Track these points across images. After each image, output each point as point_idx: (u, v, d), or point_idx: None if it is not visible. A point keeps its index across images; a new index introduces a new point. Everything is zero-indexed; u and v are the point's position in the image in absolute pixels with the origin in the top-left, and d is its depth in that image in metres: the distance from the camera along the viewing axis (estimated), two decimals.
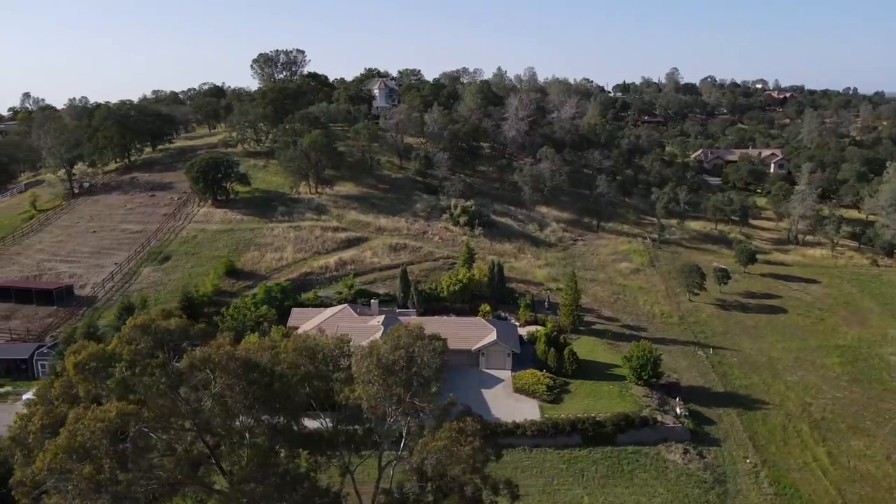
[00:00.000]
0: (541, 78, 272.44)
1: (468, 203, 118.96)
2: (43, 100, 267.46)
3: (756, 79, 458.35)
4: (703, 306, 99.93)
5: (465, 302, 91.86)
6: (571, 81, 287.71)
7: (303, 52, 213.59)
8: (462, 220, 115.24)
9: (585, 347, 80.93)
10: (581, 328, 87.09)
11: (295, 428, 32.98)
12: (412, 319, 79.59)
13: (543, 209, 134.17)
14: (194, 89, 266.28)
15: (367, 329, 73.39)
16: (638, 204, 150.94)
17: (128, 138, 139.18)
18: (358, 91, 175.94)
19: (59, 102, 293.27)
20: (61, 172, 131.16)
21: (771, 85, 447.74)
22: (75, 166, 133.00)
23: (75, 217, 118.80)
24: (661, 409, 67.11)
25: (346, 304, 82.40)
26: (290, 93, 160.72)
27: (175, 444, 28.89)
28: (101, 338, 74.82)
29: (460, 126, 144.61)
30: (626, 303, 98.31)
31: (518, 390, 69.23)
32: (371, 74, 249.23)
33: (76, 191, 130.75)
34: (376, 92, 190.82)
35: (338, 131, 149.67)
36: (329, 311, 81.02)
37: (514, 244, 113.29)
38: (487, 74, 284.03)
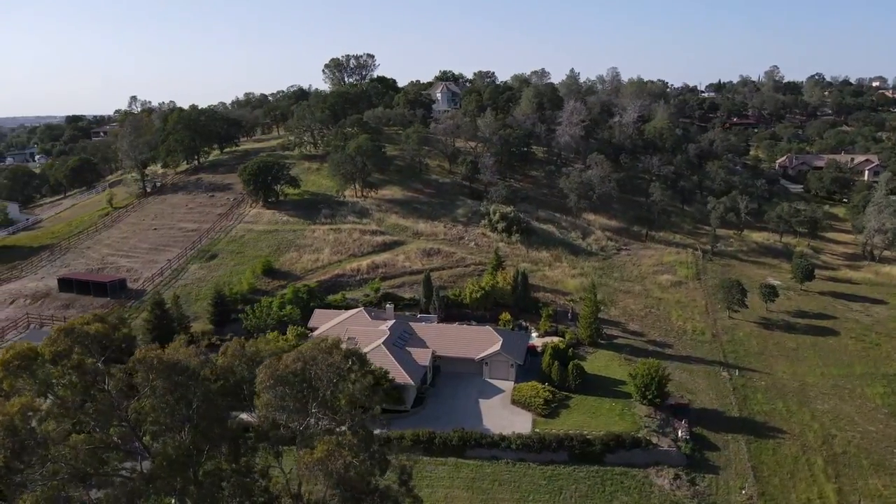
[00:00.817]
0: (625, 78, 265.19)
1: (508, 209, 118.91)
2: (149, 102, 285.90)
3: (874, 76, 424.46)
4: (743, 324, 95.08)
5: (486, 309, 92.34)
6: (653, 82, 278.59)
7: (372, 56, 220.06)
8: (500, 226, 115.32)
9: (599, 362, 79.48)
10: (601, 342, 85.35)
11: (217, 429, 35.28)
12: (422, 326, 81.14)
13: (591, 217, 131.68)
14: (283, 91, 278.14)
15: (375, 333, 75.68)
16: (696, 213, 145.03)
17: (197, 141, 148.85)
18: (417, 95, 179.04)
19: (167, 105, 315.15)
20: (135, 173, 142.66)
21: (890, 83, 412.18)
22: (148, 167, 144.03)
23: (142, 215, 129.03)
24: (661, 430, 64.99)
25: (361, 308, 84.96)
26: (350, 97, 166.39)
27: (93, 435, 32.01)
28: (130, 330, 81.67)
29: (511, 131, 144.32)
30: (657, 317, 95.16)
31: (515, 402, 69.12)
32: (446, 77, 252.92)
33: (148, 190, 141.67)
34: (438, 95, 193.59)
35: (393, 136, 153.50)
36: (345, 314, 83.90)
37: (551, 252, 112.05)
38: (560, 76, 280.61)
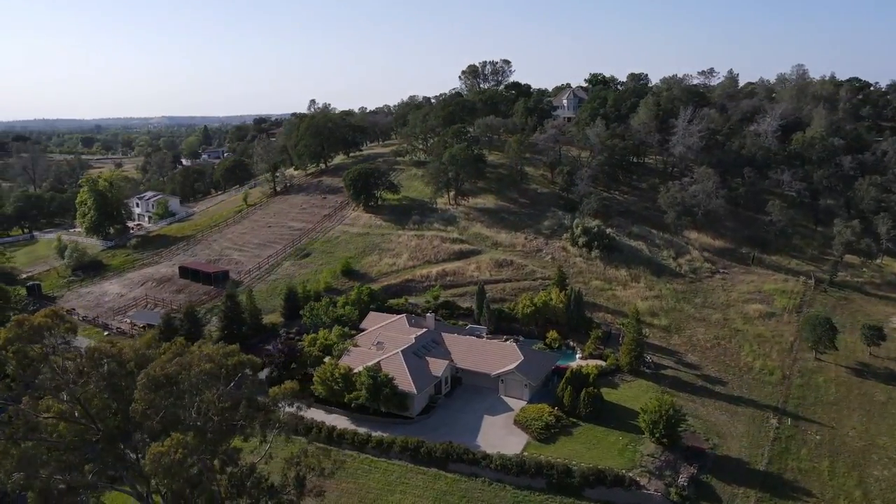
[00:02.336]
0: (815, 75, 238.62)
1: (593, 223, 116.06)
2: (329, 104, 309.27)
3: None
4: (829, 368, 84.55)
5: (537, 326, 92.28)
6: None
7: (508, 62, 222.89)
8: (581, 240, 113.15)
9: (630, 392, 76.28)
10: (646, 370, 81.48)
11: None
12: (453, 337, 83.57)
13: (693, 234, 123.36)
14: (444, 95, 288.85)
15: (402, 340, 79.99)
16: (833, 235, 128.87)
17: (324, 146, 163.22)
18: (539, 102, 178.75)
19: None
20: (268, 175, 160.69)
21: None
22: (281, 169, 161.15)
23: (264, 213, 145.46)
24: (659, 472, 61.56)
25: (403, 315, 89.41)
26: (466, 105, 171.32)
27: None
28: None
29: (618, 141, 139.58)
30: (724, 351, 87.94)
31: (517, 423, 69.38)
32: (596, 80, 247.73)
33: (278, 190, 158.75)
34: (564, 102, 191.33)
35: (504, 144, 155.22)
36: (389, 319, 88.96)
37: (630, 270, 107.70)
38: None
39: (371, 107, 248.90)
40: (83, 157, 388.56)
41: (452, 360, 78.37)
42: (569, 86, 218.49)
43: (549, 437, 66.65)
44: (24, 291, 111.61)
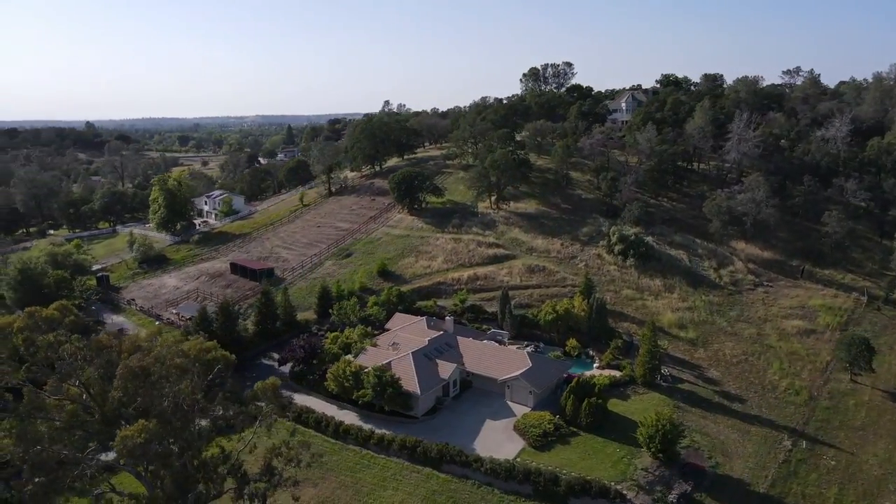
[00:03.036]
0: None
1: (630, 230, 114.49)
2: (404, 105, 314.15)
3: None
4: (863, 391, 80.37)
5: (558, 333, 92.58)
6: None
7: (570, 64, 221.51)
8: (617, 248, 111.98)
9: (640, 405, 75.50)
10: (662, 383, 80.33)
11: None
12: (468, 341, 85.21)
13: (740, 245, 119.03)
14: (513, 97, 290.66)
15: (416, 342, 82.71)
16: None
17: (378, 149, 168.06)
18: (594, 106, 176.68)
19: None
20: (323, 176, 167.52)
21: None
22: (333, 171, 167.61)
23: (317, 213, 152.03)
24: (650, 487, 61.18)
25: (423, 318, 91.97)
26: (520, 108, 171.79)
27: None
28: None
29: (667, 147, 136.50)
30: (749, 367, 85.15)
31: (516, 428, 70.48)
32: (668, 82, 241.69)
33: (333, 190, 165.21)
34: (622, 105, 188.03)
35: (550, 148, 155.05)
36: (411, 321, 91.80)
37: (665, 280, 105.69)
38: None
39: (444, 108, 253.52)
40: (175, 155, 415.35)
41: (463, 364, 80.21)
42: (636, 87, 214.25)
43: (545, 444, 67.38)
44: (93, 282, 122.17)
